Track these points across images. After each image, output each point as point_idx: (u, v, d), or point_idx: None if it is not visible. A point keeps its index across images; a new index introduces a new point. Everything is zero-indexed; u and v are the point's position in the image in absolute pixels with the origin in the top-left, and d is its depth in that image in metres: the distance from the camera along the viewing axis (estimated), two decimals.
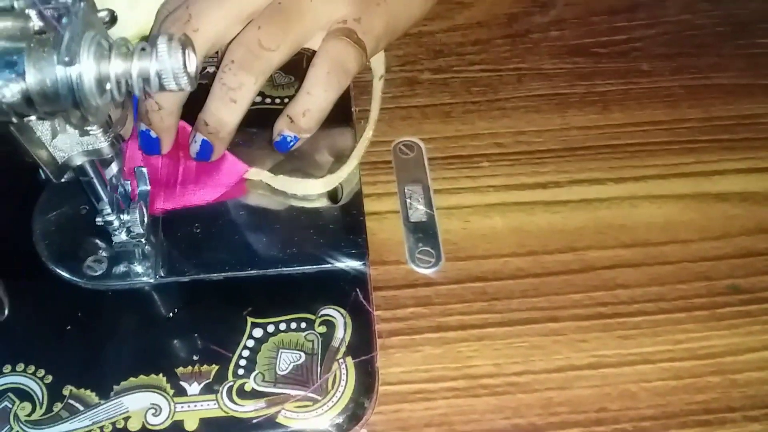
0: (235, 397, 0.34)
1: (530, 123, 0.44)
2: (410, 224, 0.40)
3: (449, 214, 0.40)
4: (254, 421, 0.33)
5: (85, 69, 0.22)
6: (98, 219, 0.35)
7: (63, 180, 0.30)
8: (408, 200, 0.41)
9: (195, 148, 0.38)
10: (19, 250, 0.38)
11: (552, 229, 0.40)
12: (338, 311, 0.36)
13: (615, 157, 0.43)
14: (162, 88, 0.23)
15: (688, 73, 0.47)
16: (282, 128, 0.38)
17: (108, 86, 0.23)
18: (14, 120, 0.23)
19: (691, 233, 0.40)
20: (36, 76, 0.21)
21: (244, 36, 0.36)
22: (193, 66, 0.23)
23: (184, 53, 0.23)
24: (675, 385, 0.35)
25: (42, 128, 0.28)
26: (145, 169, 0.36)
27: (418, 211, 0.41)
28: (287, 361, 0.35)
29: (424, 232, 0.40)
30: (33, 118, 0.24)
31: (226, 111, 0.36)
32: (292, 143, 0.39)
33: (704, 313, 0.37)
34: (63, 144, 0.29)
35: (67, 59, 0.21)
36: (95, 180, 0.33)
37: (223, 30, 0.36)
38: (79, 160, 0.30)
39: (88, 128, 0.29)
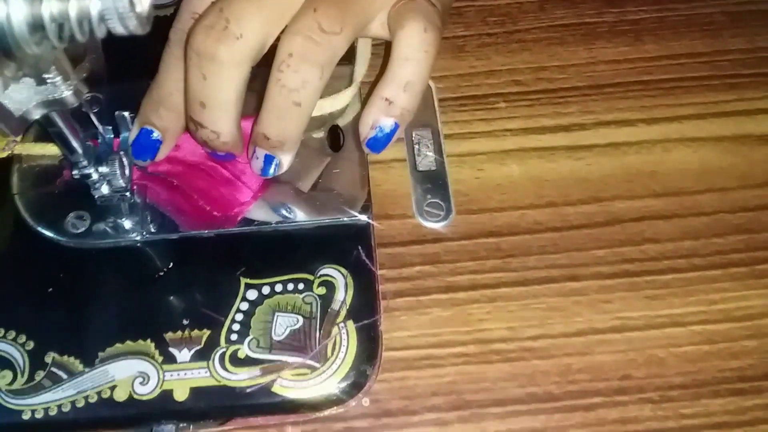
0: (227, 365, 0.32)
1: (553, 57, 0.40)
2: (418, 173, 0.37)
3: (461, 162, 0.37)
4: (248, 390, 0.31)
5: (14, 10, 0.18)
6: (74, 172, 0.32)
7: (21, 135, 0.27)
8: (416, 147, 0.37)
9: (258, 164, 0.32)
10: None
11: (574, 178, 0.36)
12: (339, 270, 0.33)
13: (647, 95, 0.39)
14: (109, 32, 0.20)
15: None
16: (377, 117, 0.31)
17: (45, 30, 0.19)
18: None
19: (730, 180, 0.36)
20: None
21: (300, 22, 0.29)
22: (144, 4, 0.20)
23: None
24: (707, 351, 0.32)
25: None
26: (127, 114, 0.33)
27: (427, 159, 0.37)
28: (283, 325, 0.32)
29: (432, 183, 0.36)
30: None
31: (289, 118, 0.30)
32: (392, 134, 0.31)
33: (742, 270, 0.34)
34: (17, 95, 0.26)
35: None
36: (65, 131, 0.29)
37: (269, 30, 0.29)
38: (38, 113, 0.27)
39: (45, 76, 0.26)
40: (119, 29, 0.20)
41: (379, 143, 0.31)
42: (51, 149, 0.36)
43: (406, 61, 0.30)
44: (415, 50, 0.30)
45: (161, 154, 0.34)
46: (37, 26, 0.19)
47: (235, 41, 0.28)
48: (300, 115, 0.30)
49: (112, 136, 0.33)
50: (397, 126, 0.31)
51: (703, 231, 0.35)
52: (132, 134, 0.33)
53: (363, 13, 0.31)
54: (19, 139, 0.34)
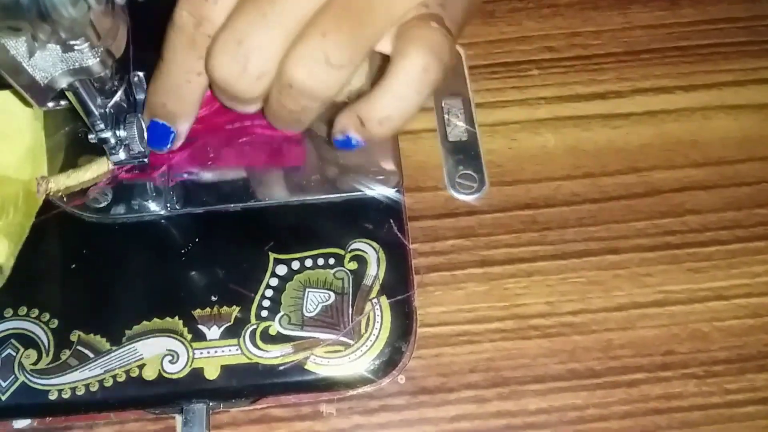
0: (258, 342, 0.31)
1: (586, 22, 0.39)
2: (449, 144, 0.35)
3: (493, 132, 0.36)
4: (281, 368, 0.30)
5: None
6: (91, 137, 0.31)
7: (50, 106, 0.26)
8: (446, 116, 0.36)
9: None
10: None
11: (612, 147, 0.35)
12: (370, 245, 0.32)
13: (684, 62, 0.37)
14: None
15: None
16: (347, 128, 0.30)
17: None
18: None
19: None
20: None
21: (306, 48, 0.27)
22: None
23: None
24: (752, 324, 0.31)
25: (16, 45, 0.23)
26: (141, 74, 0.32)
27: (458, 129, 0.36)
28: (315, 301, 0.31)
29: (464, 153, 0.35)
30: None
31: (290, 125, 0.30)
32: (356, 146, 0.30)
33: None
34: (43, 63, 0.25)
35: None
36: (82, 90, 0.28)
37: (282, 50, 0.27)
38: (64, 81, 0.25)
39: (72, 42, 0.24)
40: None
41: (346, 146, 0.30)
42: (83, 176, 0.34)
43: (393, 96, 0.28)
44: (406, 88, 0.27)
45: (177, 143, 0.32)
46: None
47: (256, 81, 0.27)
48: (302, 123, 0.29)
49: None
50: (363, 143, 0.29)
51: (746, 201, 0.34)
52: (143, 122, 0.32)
53: (375, 33, 0.28)
54: (47, 178, 0.34)
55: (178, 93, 0.29)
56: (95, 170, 0.34)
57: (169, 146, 0.31)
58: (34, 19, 0.18)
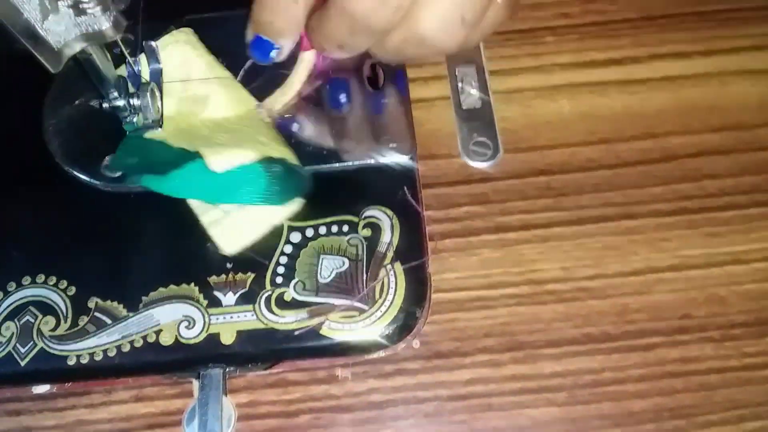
0: (274, 308, 0.31)
1: None
2: (463, 112, 0.35)
3: (508, 99, 0.35)
4: (296, 333, 0.30)
5: None
6: (104, 104, 0.31)
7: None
8: (460, 84, 0.36)
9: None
10: (29, 151, 0.34)
11: (628, 113, 0.35)
12: (384, 212, 0.32)
13: (703, 26, 0.37)
14: None
15: None
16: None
17: None
18: None
19: None
20: None
21: (444, 6, 0.27)
22: None
23: None
24: None
25: (29, 7, 0.23)
26: (154, 43, 0.32)
27: (472, 97, 0.36)
28: (329, 267, 0.31)
29: (479, 120, 0.35)
30: None
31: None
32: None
33: None
34: (56, 26, 0.25)
35: None
36: (95, 57, 0.28)
37: None
38: (78, 46, 0.25)
39: (84, 5, 0.24)
40: None
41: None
42: (292, 87, 0.34)
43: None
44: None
45: (280, 58, 0.33)
46: None
47: (393, 12, 0.27)
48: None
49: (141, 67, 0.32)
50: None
51: (764, 166, 0.33)
52: (247, 36, 0.32)
53: None
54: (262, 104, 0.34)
55: (286, 12, 0.30)
56: (300, 75, 0.34)
57: (271, 60, 0.32)
58: None
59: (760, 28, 0.37)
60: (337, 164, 0.34)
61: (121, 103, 0.31)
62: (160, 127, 0.32)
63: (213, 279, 0.31)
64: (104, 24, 0.26)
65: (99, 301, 0.31)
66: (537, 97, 0.35)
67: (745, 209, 0.32)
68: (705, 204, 0.33)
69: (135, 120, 0.32)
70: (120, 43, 0.32)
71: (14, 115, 0.35)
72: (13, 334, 0.31)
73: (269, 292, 0.31)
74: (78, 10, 0.25)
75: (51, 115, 0.35)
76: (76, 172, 0.34)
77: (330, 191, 0.33)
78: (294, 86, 0.34)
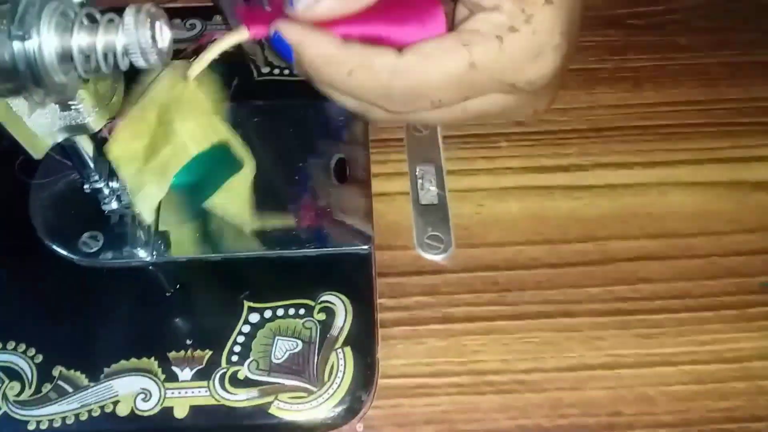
0: (227, 385, 0.32)
1: (555, 100, 0.41)
2: (420, 207, 0.38)
3: (462, 197, 0.38)
4: (246, 411, 0.32)
5: (45, 42, 0.20)
6: (86, 186, 0.33)
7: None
8: (419, 181, 0.39)
9: None
10: (13, 222, 0.37)
11: (572, 217, 0.37)
12: (339, 298, 0.35)
13: (645, 140, 0.40)
14: (131, 64, 0.21)
15: (728, 49, 0.43)
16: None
17: (73, 61, 0.21)
18: None
19: (724, 225, 0.37)
20: None
21: None
22: (164, 41, 0.21)
23: (153, 26, 0.21)
24: (697, 390, 0.33)
25: (17, 102, 0.26)
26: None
27: (430, 193, 0.38)
28: (283, 348, 0.33)
29: (434, 216, 0.38)
30: None
31: None
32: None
33: (733, 312, 0.35)
34: (43, 119, 0.27)
35: (19, 33, 0.19)
36: (78, 145, 0.31)
37: None
38: (61, 137, 0.28)
39: (71, 102, 0.27)
40: (141, 63, 0.21)
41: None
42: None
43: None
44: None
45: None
46: (65, 57, 0.21)
47: None
48: None
49: None
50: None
51: (696, 273, 0.36)
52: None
53: None
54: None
55: None
56: (223, 44, 0.31)
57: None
58: (29, 83, 0.21)
59: (697, 144, 0.40)
60: (299, 250, 0.36)
61: (101, 185, 0.34)
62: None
63: (172, 354, 0.33)
64: (87, 118, 0.29)
65: (63, 369, 0.33)
66: (489, 197, 0.38)
67: (676, 313, 0.34)
68: (639, 306, 0.35)
69: (114, 202, 0.34)
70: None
71: (4, 186, 0.38)
72: None
73: (224, 370, 0.33)
74: (64, 105, 0.28)
75: (37, 190, 0.38)
76: (55, 246, 0.36)
77: (290, 275, 0.36)
78: (213, 52, 0.31)
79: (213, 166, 0.32)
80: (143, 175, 0.30)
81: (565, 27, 0.30)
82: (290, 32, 0.30)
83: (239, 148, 0.32)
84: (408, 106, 0.31)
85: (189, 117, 0.30)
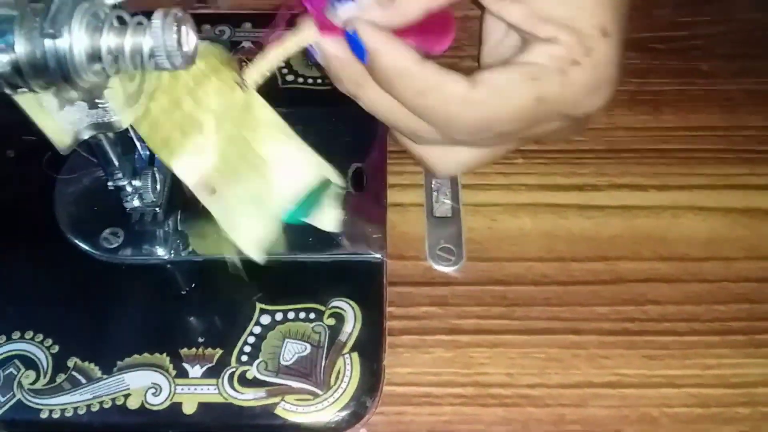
0: (236, 384, 0.33)
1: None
2: (434, 219, 0.38)
3: (476, 212, 0.39)
4: (253, 410, 0.33)
5: (76, 41, 0.21)
6: (110, 183, 0.34)
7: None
8: (434, 193, 0.39)
9: None
10: (39, 217, 0.38)
11: (584, 235, 0.38)
12: (349, 304, 0.35)
13: (661, 163, 0.40)
14: (156, 66, 0.22)
15: (750, 76, 0.43)
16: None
17: (102, 61, 0.22)
18: (8, 91, 0.22)
19: (736, 251, 0.37)
20: (25, 46, 0.21)
21: None
22: (190, 45, 0.22)
23: (179, 30, 0.21)
24: (700, 413, 0.33)
25: (47, 98, 0.27)
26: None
27: (444, 206, 0.39)
28: (292, 351, 0.34)
29: (447, 229, 0.38)
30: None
31: None
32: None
33: (741, 338, 0.35)
34: (71, 116, 0.28)
35: (51, 31, 0.20)
36: (104, 142, 0.32)
37: None
38: (87, 134, 0.29)
39: (98, 101, 0.28)
40: (166, 65, 0.22)
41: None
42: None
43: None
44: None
45: None
46: (95, 57, 0.22)
47: None
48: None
49: (149, 152, 0.35)
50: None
51: (705, 297, 0.36)
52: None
53: None
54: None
55: None
56: (290, 45, 0.30)
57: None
58: (59, 80, 0.22)
59: (714, 169, 0.40)
60: (313, 255, 0.37)
61: (124, 183, 0.35)
62: (158, 207, 0.36)
63: (184, 351, 0.34)
64: (113, 117, 0.29)
65: (78, 361, 0.34)
66: (503, 213, 0.39)
67: (682, 336, 0.35)
68: (646, 327, 0.35)
69: (136, 200, 0.35)
70: (131, 129, 0.36)
71: (32, 180, 0.39)
72: None
73: (233, 369, 0.34)
74: (91, 103, 0.28)
75: (63, 186, 0.39)
76: (77, 241, 0.37)
77: (303, 280, 0.36)
78: (279, 55, 0.30)
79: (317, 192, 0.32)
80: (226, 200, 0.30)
81: (619, 59, 0.30)
82: (370, 37, 0.28)
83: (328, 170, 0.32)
84: (472, 136, 0.31)
85: (275, 146, 0.30)
